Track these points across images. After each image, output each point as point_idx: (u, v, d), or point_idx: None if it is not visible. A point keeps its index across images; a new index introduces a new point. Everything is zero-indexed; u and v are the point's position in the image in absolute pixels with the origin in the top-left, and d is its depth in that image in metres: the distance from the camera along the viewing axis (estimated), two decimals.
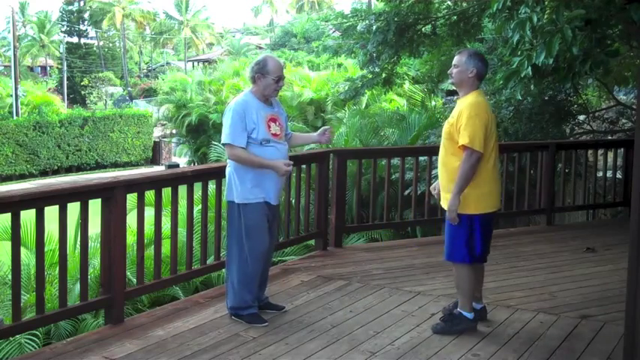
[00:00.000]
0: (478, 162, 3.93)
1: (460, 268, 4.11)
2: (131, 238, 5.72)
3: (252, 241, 4.20)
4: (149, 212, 4.70)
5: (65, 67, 47.04)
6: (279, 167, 4.14)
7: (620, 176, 8.49)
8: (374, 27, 8.84)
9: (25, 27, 59.02)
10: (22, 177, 28.93)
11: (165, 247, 5.61)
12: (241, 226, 4.21)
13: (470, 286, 4.13)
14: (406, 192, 7.80)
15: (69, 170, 30.82)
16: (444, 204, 4.13)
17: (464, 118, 3.91)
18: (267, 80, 4.18)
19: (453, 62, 4.09)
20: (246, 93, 4.27)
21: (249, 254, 4.21)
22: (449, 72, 4.20)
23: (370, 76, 9.83)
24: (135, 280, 5.25)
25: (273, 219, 4.35)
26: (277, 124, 4.26)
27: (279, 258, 7.97)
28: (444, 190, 4.13)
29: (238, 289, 4.27)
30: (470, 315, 4.14)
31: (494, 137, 4.05)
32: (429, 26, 8.95)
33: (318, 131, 4.57)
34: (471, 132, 3.87)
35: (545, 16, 4.12)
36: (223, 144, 4.18)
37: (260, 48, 52.61)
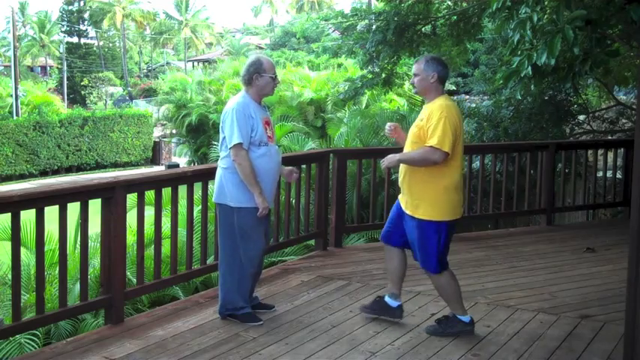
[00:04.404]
0: (437, 161, 3.87)
1: (437, 278, 4.09)
2: (131, 238, 5.72)
3: (248, 244, 4.18)
4: (149, 212, 4.70)
5: (65, 67, 47.04)
6: (260, 206, 4.10)
7: (620, 176, 8.49)
8: (373, 26, 8.85)
9: (25, 27, 59.02)
10: (22, 177, 28.90)
11: (165, 247, 5.61)
12: (235, 229, 4.19)
13: (454, 289, 4.10)
14: None
15: (69, 170, 30.80)
16: (411, 210, 4.03)
17: (434, 120, 3.86)
18: (265, 79, 4.18)
19: (413, 71, 4.07)
20: (243, 95, 4.22)
21: (243, 257, 4.20)
22: (411, 82, 4.18)
23: (370, 76, 9.83)
24: (135, 280, 5.25)
25: (267, 221, 4.37)
26: (270, 127, 4.28)
27: (279, 258, 7.97)
28: (411, 195, 4.02)
29: (230, 292, 4.27)
30: (465, 318, 4.13)
31: (462, 143, 4.00)
32: (429, 26, 8.95)
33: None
34: (440, 134, 3.83)
35: (546, 16, 4.12)
36: (233, 145, 4.05)
37: (260, 48, 52.59)
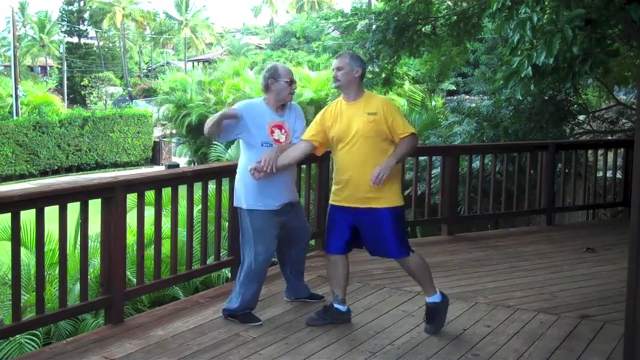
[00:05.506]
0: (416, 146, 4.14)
1: (412, 260, 4.12)
2: (131, 238, 5.72)
3: (257, 247, 4.25)
4: (149, 212, 4.70)
5: (65, 67, 47.04)
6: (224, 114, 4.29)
7: (620, 176, 8.49)
8: (373, 26, 8.85)
9: (25, 27, 59.03)
10: (22, 177, 28.91)
11: (165, 247, 5.61)
12: (250, 231, 4.26)
13: (427, 267, 4.17)
14: (406, 192, 7.79)
15: (69, 170, 30.80)
16: (376, 203, 4.03)
17: (394, 112, 4.05)
18: (281, 84, 4.24)
19: (337, 65, 4.12)
20: (258, 99, 4.38)
21: (253, 259, 4.25)
22: (333, 76, 4.17)
23: (370, 76, 9.82)
24: (135, 280, 5.25)
25: (292, 219, 4.38)
26: (283, 131, 4.27)
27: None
28: (377, 189, 3.99)
29: (241, 291, 4.31)
30: (437, 297, 4.13)
31: None
32: (429, 26, 8.95)
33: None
34: (407, 122, 4.07)
35: (545, 16, 4.12)
36: None
37: (260, 48, 52.64)
